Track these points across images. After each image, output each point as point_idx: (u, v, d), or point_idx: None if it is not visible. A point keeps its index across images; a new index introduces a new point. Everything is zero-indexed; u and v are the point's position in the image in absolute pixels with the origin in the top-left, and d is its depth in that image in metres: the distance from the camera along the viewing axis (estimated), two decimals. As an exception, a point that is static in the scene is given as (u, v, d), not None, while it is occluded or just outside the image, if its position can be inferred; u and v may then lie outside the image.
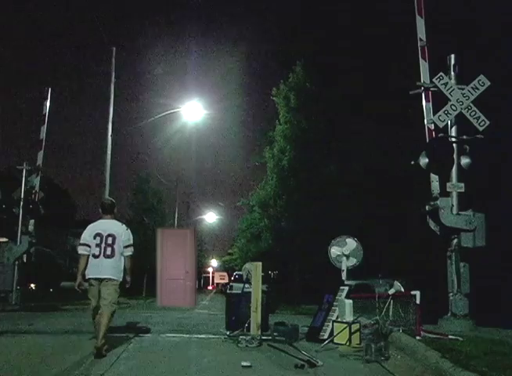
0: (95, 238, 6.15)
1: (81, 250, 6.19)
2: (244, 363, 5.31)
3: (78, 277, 6.14)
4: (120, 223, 6.46)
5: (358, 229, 13.43)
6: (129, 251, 6.27)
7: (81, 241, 6.25)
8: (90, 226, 6.43)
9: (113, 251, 6.12)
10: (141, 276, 25.33)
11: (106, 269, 6.08)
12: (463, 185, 8.28)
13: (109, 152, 18.38)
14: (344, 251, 8.25)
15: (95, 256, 6.10)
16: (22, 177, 14.26)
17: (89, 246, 6.15)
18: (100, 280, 6.05)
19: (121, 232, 6.28)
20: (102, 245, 6.11)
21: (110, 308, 5.99)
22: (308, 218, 21.27)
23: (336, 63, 20.56)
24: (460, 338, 6.21)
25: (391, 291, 6.84)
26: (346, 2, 20.86)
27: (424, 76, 8.84)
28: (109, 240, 6.14)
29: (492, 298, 11.98)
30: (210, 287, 66.27)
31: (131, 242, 6.35)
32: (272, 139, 24.89)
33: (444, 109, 8.45)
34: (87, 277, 6.15)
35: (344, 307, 6.97)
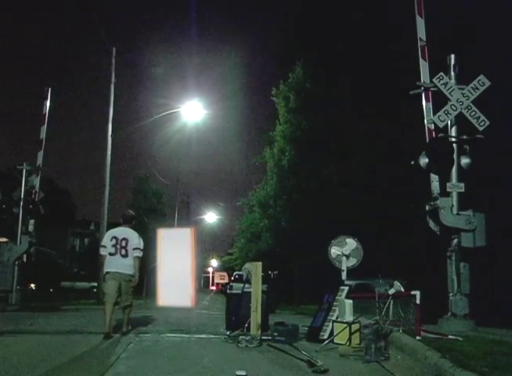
0: (111, 240, 7.46)
1: (101, 251, 7.72)
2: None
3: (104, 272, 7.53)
4: (133, 231, 7.74)
5: (357, 228, 13.42)
6: (137, 253, 7.52)
7: (102, 244, 7.74)
8: (109, 232, 7.98)
9: (126, 251, 7.43)
10: (141, 276, 25.32)
11: (123, 266, 7.39)
12: (463, 185, 8.28)
13: (108, 152, 18.39)
14: (344, 251, 8.22)
15: (112, 254, 7.40)
16: (22, 177, 14.27)
17: (106, 247, 7.47)
18: (119, 274, 7.32)
19: (133, 237, 7.59)
20: (118, 246, 7.41)
21: (129, 301, 7.56)
22: (307, 218, 21.25)
23: (336, 63, 20.54)
24: (460, 338, 6.20)
25: (391, 291, 6.83)
26: (346, 2, 20.84)
27: (424, 76, 8.83)
28: (123, 243, 7.44)
29: (491, 298, 11.96)
30: (213, 288, 64.46)
31: (141, 247, 7.60)
32: (272, 139, 24.88)
33: (444, 109, 8.44)
34: (106, 270, 7.44)
35: (344, 307, 6.96)
